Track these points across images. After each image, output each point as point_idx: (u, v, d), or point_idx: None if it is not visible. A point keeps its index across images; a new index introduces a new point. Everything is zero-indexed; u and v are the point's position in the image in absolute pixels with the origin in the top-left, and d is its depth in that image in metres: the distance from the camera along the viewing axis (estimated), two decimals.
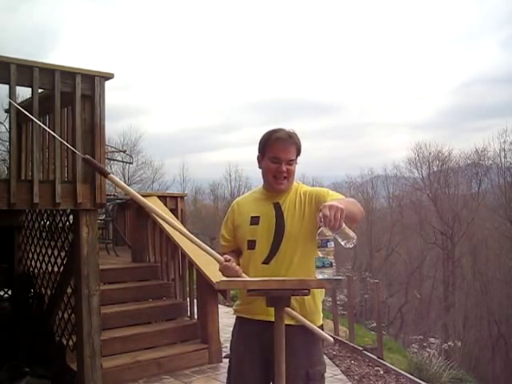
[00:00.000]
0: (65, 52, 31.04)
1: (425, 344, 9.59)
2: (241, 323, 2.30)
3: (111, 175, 2.16)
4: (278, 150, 2.17)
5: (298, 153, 2.23)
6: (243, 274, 2.15)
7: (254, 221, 2.21)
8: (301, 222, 2.16)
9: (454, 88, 38.37)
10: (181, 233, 2.17)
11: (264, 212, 2.21)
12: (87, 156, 2.38)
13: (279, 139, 2.18)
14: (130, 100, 35.51)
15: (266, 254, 2.17)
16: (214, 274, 4.30)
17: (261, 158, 2.25)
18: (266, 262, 2.17)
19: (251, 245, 2.21)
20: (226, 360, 5.14)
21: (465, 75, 39.89)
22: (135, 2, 38.14)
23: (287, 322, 2.03)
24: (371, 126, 39.25)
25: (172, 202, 6.25)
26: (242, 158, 34.84)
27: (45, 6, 33.02)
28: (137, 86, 38.75)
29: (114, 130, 22.28)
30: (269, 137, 2.21)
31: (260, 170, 2.29)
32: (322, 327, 2.27)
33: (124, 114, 31.34)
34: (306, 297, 2.08)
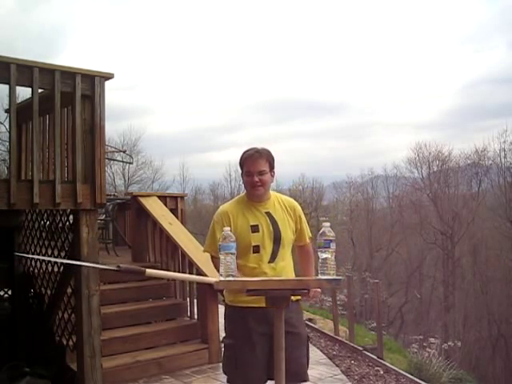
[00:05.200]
0: (73, 53, 31.19)
1: (425, 344, 9.59)
2: (235, 311, 2.64)
3: (148, 270, 2.42)
4: (248, 165, 2.67)
5: (271, 165, 2.71)
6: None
7: (254, 229, 2.65)
8: (288, 228, 2.72)
9: (460, 88, 38.42)
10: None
11: (261, 221, 2.67)
12: (121, 265, 2.53)
13: (247, 156, 2.69)
14: (134, 100, 35.62)
15: (270, 254, 2.64)
16: (214, 274, 4.30)
17: (241, 174, 2.74)
18: (271, 261, 2.64)
19: (256, 249, 2.63)
20: None
21: (471, 75, 39.94)
22: (141, 5, 38.22)
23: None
24: (375, 126, 39.30)
25: (172, 202, 6.24)
26: None
27: (57, 7, 33.19)
28: (141, 86, 38.85)
29: (115, 130, 22.33)
30: (241, 157, 2.72)
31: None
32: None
33: (128, 113, 31.42)
34: None
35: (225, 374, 2.77)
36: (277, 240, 2.66)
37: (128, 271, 2.66)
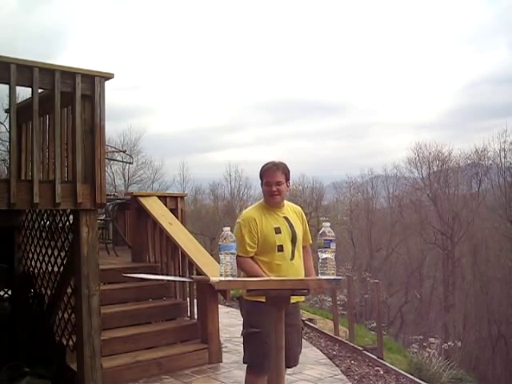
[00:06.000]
0: (75, 53, 31.29)
1: (425, 344, 9.57)
2: (258, 305, 2.87)
3: (212, 278, 2.66)
4: (267, 176, 3.12)
5: (287, 176, 3.15)
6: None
7: (278, 231, 3.08)
8: (300, 230, 3.20)
9: (461, 88, 38.45)
10: None
11: (281, 224, 3.12)
12: (193, 276, 2.82)
13: (266, 169, 3.14)
14: (134, 100, 35.72)
15: (290, 253, 3.09)
16: (214, 274, 4.30)
17: (261, 184, 3.18)
18: (291, 258, 3.09)
19: (280, 248, 3.06)
20: (226, 360, 5.20)
21: (472, 75, 39.97)
22: (142, 5, 38.26)
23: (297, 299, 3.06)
24: (375, 126, 39.34)
25: (172, 202, 6.24)
26: (247, 157, 34.89)
27: (59, 7, 33.26)
28: (142, 86, 38.89)
29: (115, 130, 22.32)
30: (261, 169, 3.17)
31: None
32: None
33: (129, 113, 31.48)
34: None
35: (248, 362, 3.07)
36: (294, 240, 3.13)
37: (198, 280, 3.40)
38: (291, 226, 3.15)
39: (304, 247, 3.30)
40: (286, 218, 3.16)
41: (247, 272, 3.00)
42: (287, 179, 3.16)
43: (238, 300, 3.29)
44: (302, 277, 3.10)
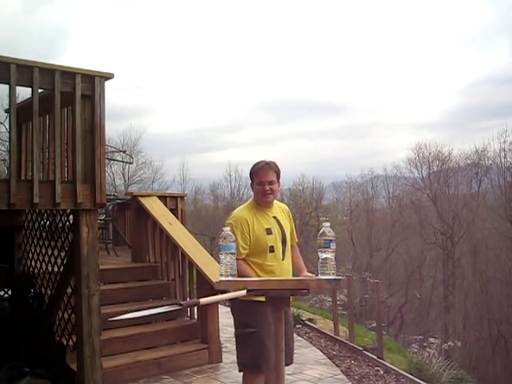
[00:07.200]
0: (76, 54, 31.29)
1: (425, 344, 9.58)
2: (255, 304, 2.85)
3: (202, 299, 2.68)
4: (260, 175, 3.09)
5: (278, 175, 3.14)
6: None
7: (269, 231, 3.07)
8: (288, 229, 3.21)
9: (463, 88, 38.41)
10: None
11: (272, 224, 3.11)
12: (182, 302, 2.92)
13: (258, 168, 3.11)
14: (134, 100, 35.73)
15: (281, 253, 3.09)
16: (214, 274, 4.30)
17: (252, 184, 3.16)
18: (282, 258, 3.10)
19: (271, 249, 3.05)
20: (226, 360, 5.19)
21: (473, 75, 39.93)
22: (143, 6, 38.27)
23: None
24: (376, 126, 39.29)
25: (172, 201, 6.24)
26: (247, 158, 34.89)
27: (61, 8, 33.27)
28: (142, 86, 38.88)
29: (115, 130, 22.32)
30: (252, 168, 3.15)
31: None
32: None
33: (129, 113, 31.47)
34: None
35: (246, 363, 3.00)
36: (284, 240, 3.13)
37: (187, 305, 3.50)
38: (281, 227, 3.15)
39: (292, 246, 3.28)
40: (276, 218, 3.15)
41: (239, 274, 2.91)
42: (278, 178, 3.16)
43: (229, 300, 3.24)
44: (291, 277, 3.04)
